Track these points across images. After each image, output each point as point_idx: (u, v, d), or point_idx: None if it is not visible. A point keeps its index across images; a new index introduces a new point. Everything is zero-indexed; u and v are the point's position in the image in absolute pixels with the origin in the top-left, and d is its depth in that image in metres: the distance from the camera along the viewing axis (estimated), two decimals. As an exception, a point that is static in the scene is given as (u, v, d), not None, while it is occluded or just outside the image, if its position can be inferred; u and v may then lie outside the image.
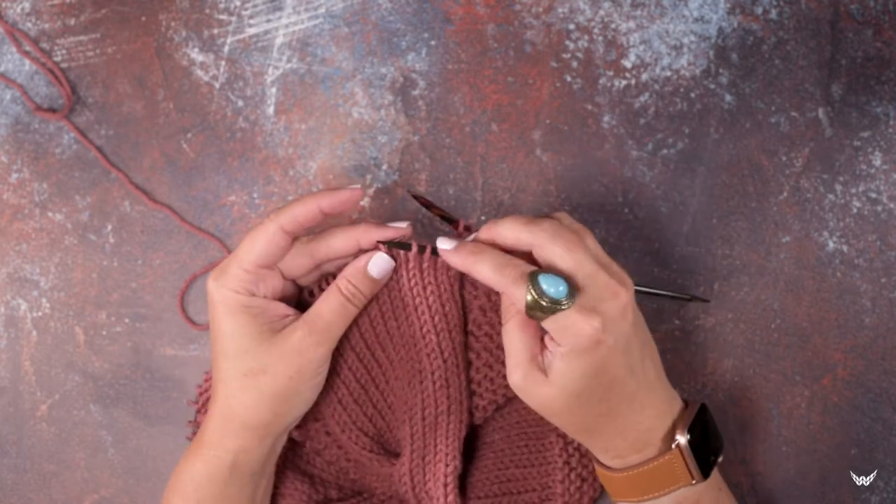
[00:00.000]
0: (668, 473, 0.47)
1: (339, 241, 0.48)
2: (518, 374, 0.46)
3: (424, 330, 0.49)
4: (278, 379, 0.47)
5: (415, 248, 0.48)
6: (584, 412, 0.46)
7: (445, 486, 0.52)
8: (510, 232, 0.46)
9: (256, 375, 0.47)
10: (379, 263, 0.48)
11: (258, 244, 0.46)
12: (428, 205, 0.51)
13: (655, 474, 0.47)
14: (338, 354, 0.50)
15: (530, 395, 0.46)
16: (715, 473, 0.49)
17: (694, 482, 0.47)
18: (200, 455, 0.48)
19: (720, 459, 0.49)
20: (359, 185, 0.48)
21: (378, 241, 0.48)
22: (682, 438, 0.46)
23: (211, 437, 0.48)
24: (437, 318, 0.49)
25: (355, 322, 0.50)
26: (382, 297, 0.50)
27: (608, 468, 0.49)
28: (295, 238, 0.48)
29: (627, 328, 0.45)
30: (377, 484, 0.55)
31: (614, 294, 0.44)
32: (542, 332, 0.46)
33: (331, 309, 0.47)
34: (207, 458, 0.48)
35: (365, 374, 0.52)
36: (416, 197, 0.52)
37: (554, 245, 0.44)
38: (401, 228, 0.48)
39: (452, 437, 0.52)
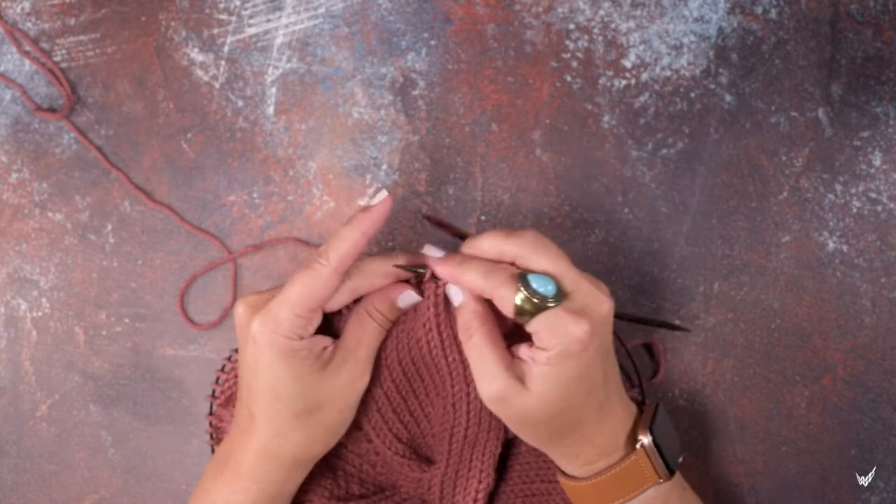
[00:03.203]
0: (636, 474, 0.47)
1: (381, 280, 0.48)
2: (496, 385, 0.45)
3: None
4: (331, 414, 0.47)
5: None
6: (561, 419, 0.46)
7: (475, 500, 0.52)
8: (491, 244, 0.46)
9: (311, 415, 0.47)
10: (408, 299, 0.49)
11: (316, 290, 0.45)
12: (441, 225, 0.52)
13: (624, 476, 0.47)
14: (385, 367, 0.51)
15: (508, 406, 0.45)
16: (678, 472, 0.50)
17: (661, 481, 0.47)
18: (240, 487, 0.48)
19: (681, 459, 0.49)
20: (384, 191, 0.48)
21: (395, 265, 0.48)
22: (644, 438, 0.47)
23: (253, 472, 0.48)
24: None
25: (406, 337, 0.50)
26: (431, 321, 0.50)
27: (574, 478, 0.48)
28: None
29: (608, 336, 0.45)
30: (403, 482, 0.55)
31: (597, 298, 0.44)
32: (511, 344, 0.47)
33: (370, 336, 0.48)
34: (250, 491, 0.48)
35: (407, 387, 0.52)
36: (429, 219, 0.52)
37: (538, 254, 0.45)
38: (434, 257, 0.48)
39: (489, 454, 0.52)
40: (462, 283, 0.46)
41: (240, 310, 0.47)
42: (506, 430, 0.52)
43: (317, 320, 0.47)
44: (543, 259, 0.45)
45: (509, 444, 0.55)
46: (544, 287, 0.43)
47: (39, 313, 0.61)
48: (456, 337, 0.49)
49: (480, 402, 0.50)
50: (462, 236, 0.51)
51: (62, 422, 0.61)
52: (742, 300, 0.58)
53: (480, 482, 0.52)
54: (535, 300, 0.43)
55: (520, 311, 0.43)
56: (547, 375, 0.44)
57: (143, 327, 0.60)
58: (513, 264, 0.46)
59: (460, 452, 0.52)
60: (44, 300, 0.60)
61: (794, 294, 0.58)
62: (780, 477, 0.58)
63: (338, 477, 0.55)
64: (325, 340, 0.48)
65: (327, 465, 0.55)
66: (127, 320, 0.60)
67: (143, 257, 0.60)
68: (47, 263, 0.60)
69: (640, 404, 0.50)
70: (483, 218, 0.59)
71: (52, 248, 0.60)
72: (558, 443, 0.47)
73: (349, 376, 0.47)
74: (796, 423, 0.58)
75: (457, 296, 0.47)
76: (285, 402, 0.46)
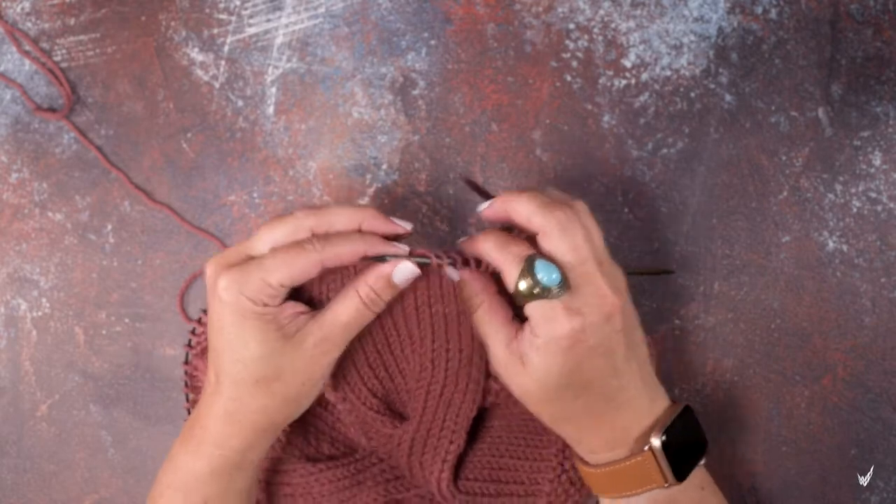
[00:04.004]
0: (640, 474, 0.46)
1: (347, 251, 0.46)
2: (496, 362, 0.46)
3: (460, 309, 0.49)
4: (292, 385, 0.46)
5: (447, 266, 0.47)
6: (561, 406, 0.46)
7: (444, 461, 0.52)
8: (523, 210, 0.45)
9: (270, 382, 0.46)
10: (405, 272, 0.47)
11: (294, 268, 0.45)
12: (475, 187, 0.50)
13: (626, 474, 0.47)
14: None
15: (509, 382, 0.47)
16: (700, 472, 0.49)
17: (667, 485, 0.46)
18: (203, 453, 0.48)
19: (702, 462, 0.49)
20: (408, 227, 0.47)
21: (408, 258, 0.47)
22: (655, 441, 0.46)
23: (215, 436, 0.47)
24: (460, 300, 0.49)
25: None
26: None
27: (583, 461, 0.49)
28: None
29: (612, 333, 0.44)
30: (374, 437, 0.55)
31: (602, 298, 0.44)
32: (518, 320, 0.47)
33: (349, 316, 0.47)
34: (212, 457, 0.47)
35: (384, 342, 0.51)
36: (464, 180, 0.50)
37: (560, 238, 0.44)
38: (402, 226, 0.47)
39: (463, 417, 0.52)
40: (479, 252, 0.46)
41: (209, 269, 0.46)
42: (484, 396, 0.52)
43: (286, 294, 0.46)
44: (563, 245, 0.44)
45: (482, 418, 0.55)
46: (548, 276, 0.43)
47: (39, 313, 0.61)
48: (442, 289, 0.48)
49: (459, 360, 0.50)
50: (489, 197, 0.49)
51: (62, 422, 0.61)
52: (742, 300, 0.58)
53: (451, 443, 0.52)
54: (535, 289, 0.43)
55: (519, 292, 0.44)
56: (538, 363, 0.44)
57: (143, 327, 0.60)
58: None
59: (434, 411, 0.51)
60: (44, 300, 0.60)
61: (794, 294, 0.58)
62: (780, 477, 0.58)
63: (308, 434, 0.54)
64: (296, 307, 0.47)
65: (299, 422, 0.54)
66: (127, 320, 0.60)
67: (143, 257, 0.60)
68: (47, 263, 0.60)
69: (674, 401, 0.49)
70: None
71: (52, 248, 0.60)
72: (563, 425, 0.48)
73: (314, 350, 0.46)
74: (796, 423, 0.58)
75: (453, 276, 0.47)
76: (246, 364, 0.46)
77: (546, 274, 0.43)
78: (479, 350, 0.50)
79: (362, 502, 0.55)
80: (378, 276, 0.46)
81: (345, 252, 0.45)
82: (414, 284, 0.48)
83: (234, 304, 0.45)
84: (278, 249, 0.45)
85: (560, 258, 0.44)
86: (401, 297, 0.49)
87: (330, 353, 0.47)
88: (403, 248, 0.47)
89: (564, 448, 0.53)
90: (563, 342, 0.44)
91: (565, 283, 0.43)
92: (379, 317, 0.49)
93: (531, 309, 0.44)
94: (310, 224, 0.46)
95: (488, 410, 0.55)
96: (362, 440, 0.56)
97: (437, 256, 0.46)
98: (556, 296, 0.43)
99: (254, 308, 0.45)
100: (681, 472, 0.47)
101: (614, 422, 0.47)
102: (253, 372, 0.46)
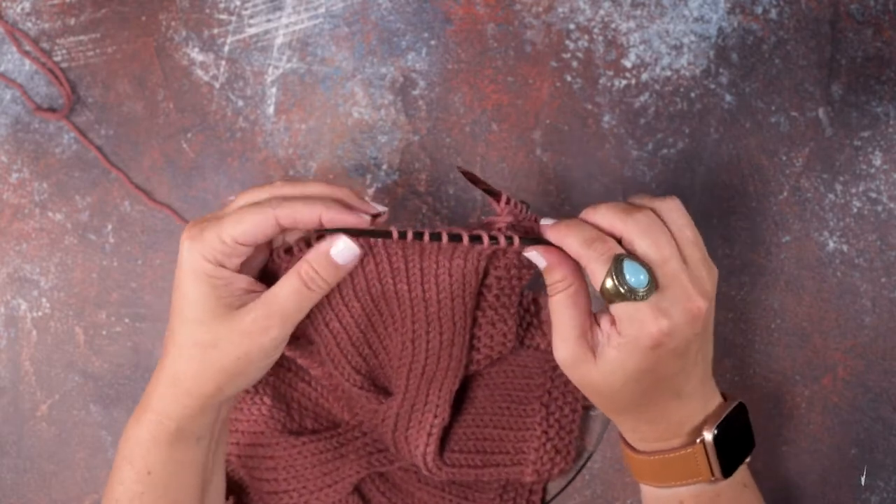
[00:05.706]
0: (689, 466, 0.47)
1: (304, 212, 0.45)
2: (565, 350, 0.45)
3: (441, 296, 0.48)
4: (226, 356, 0.46)
5: (445, 238, 0.46)
6: (623, 399, 0.46)
7: (429, 434, 0.52)
8: (605, 217, 0.45)
9: (206, 348, 0.46)
10: (343, 251, 0.46)
11: (246, 224, 0.44)
12: (473, 179, 0.49)
13: (675, 465, 0.47)
14: (343, 304, 0.49)
15: (573, 372, 0.46)
16: (743, 469, 0.49)
17: (714, 479, 0.47)
18: (145, 420, 0.47)
19: (748, 460, 0.49)
20: (381, 210, 0.46)
21: (348, 233, 0.45)
22: (708, 435, 0.46)
23: (156, 402, 0.47)
24: (443, 286, 0.48)
25: (365, 272, 0.48)
26: (394, 259, 0.48)
27: (631, 448, 0.49)
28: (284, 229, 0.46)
29: (691, 335, 0.44)
30: (360, 412, 0.55)
31: (689, 300, 0.44)
32: (594, 313, 0.46)
33: (286, 295, 0.46)
34: (152, 424, 0.47)
35: (366, 322, 0.51)
36: (463, 172, 0.49)
37: (642, 239, 0.44)
38: (373, 207, 0.46)
39: (446, 390, 0.52)
40: (565, 247, 0.45)
41: (183, 233, 0.46)
42: (466, 367, 0.52)
43: (244, 254, 0.46)
44: (648, 244, 0.44)
45: (465, 388, 0.55)
46: (636, 277, 0.43)
47: (39, 313, 0.61)
48: (422, 273, 0.47)
49: (440, 341, 0.50)
50: (493, 193, 0.48)
51: (62, 422, 0.61)
52: (742, 300, 0.58)
53: (436, 417, 0.52)
54: (622, 289, 0.42)
55: (607, 291, 0.43)
56: (614, 359, 0.44)
57: (143, 327, 0.60)
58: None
59: (417, 387, 0.52)
60: (44, 300, 0.60)
61: (794, 294, 0.58)
62: (780, 477, 0.58)
63: (291, 410, 0.54)
64: (253, 284, 0.47)
65: (281, 398, 0.54)
66: (127, 320, 0.60)
67: (143, 257, 0.60)
68: (47, 263, 0.60)
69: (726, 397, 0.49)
70: (483, 218, 0.59)
71: (52, 248, 0.60)
72: (617, 415, 0.48)
73: (252, 327, 0.45)
74: (796, 423, 0.58)
75: (539, 262, 0.46)
76: (189, 324, 0.46)
77: (634, 275, 0.43)
78: (461, 331, 0.50)
79: (345, 474, 0.55)
80: (317, 253, 0.46)
81: (301, 212, 0.45)
82: (391, 266, 0.47)
83: (190, 263, 0.45)
84: (237, 210, 0.45)
85: (645, 258, 0.44)
86: (378, 279, 0.48)
87: (270, 330, 0.46)
88: (364, 219, 0.46)
89: (548, 416, 0.53)
90: (647, 342, 0.43)
91: (653, 285, 0.43)
92: (358, 297, 0.49)
93: (617, 310, 0.44)
94: (284, 192, 0.46)
95: (471, 380, 0.55)
96: (345, 415, 0.56)
97: (509, 238, 0.45)
98: (643, 297, 0.43)
99: (206, 267, 0.45)
100: (728, 468, 0.47)
101: (672, 416, 0.47)
102: (193, 334, 0.46)
